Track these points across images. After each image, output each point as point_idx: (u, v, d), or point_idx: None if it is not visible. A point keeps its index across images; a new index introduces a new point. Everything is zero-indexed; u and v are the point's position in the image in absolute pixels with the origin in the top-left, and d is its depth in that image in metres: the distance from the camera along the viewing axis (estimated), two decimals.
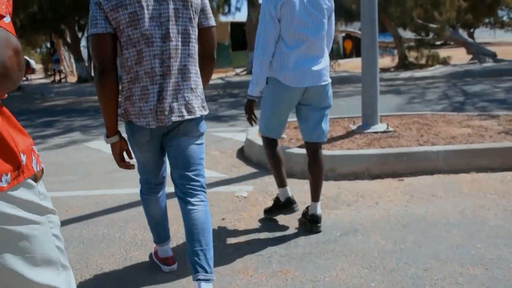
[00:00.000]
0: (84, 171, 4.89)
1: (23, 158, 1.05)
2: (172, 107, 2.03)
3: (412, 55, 17.10)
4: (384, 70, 17.96)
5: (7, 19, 0.95)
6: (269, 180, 4.07)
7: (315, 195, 3.03)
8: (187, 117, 2.07)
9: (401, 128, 5.19)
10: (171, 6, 1.98)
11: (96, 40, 1.95)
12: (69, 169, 4.99)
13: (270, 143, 3.08)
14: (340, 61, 21.39)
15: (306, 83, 2.78)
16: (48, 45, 22.82)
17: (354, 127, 5.23)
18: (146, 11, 1.94)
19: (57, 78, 21.99)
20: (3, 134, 1.01)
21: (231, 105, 10.06)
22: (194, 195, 2.16)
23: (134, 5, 1.93)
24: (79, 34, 20.85)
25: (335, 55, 21.78)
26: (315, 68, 2.79)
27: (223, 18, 20.34)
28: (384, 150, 4.20)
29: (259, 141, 4.72)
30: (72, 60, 22.89)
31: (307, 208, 3.13)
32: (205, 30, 2.16)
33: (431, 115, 6.07)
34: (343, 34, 29.41)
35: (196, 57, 2.14)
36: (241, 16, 20.91)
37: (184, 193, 2.17)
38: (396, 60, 17.75)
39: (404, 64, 16.83)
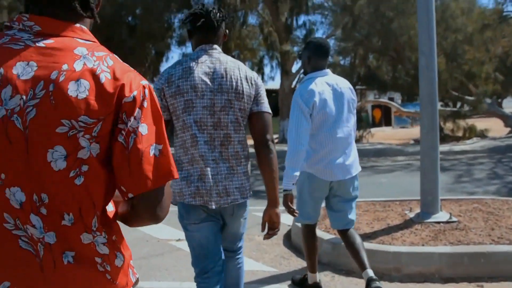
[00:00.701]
0: None
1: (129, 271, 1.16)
2: (228, 191, 2.11)
3: (447, 127, 16.69)
4: (418, 141, 17.58)
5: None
6: (326, 278, 3.61)
7: (362, 264, 2.95)
8: (240, 200, 2.15)
9: (465, 217, 4.70)
10: (225, 97, 2.09)
11: None
12: None
13: (309, 229, 3.18)
14: (372, 130, 21.04)
15: (338, 177, 2.93)
16: None
17: (412, 215, 4.77)
18: (200, 100, 2.06)
19: None
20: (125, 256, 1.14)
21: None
22: (235, 257, 2.38)
23: (191, 94, 2.06)
24: None
25: (365, 124, 21.55)
26: (346, 162, 2.93)
27: None
28: (456, 248, 3.71)
29: None
30: None
31: None
32: (254, 114, 2.18)
33: (492, 200, 5.56)
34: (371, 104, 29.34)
35: (245, 142, 2.22)
36: (271, 83, 21.20)
37: (227, 256, 2.32)
38: None
39: (439, 137, 16.41)
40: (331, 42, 18.53)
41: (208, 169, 2.07)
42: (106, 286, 1.07)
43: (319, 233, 4.33)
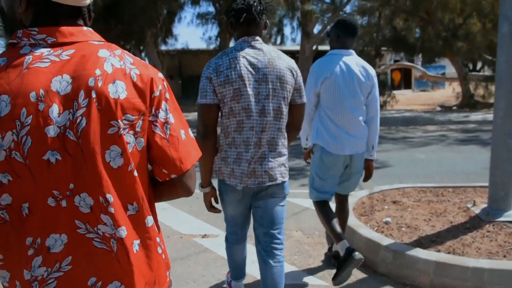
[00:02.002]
0: None
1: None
2: (256, 173, 2.28)
3: (478, 93, 15.73)
4: (445, 107, 16.67)
5: None
6: None
7: (343, 234, 3.12)
8: (268, 183, 2.30)
9: None
10: (269, 86, 2.24)
11: (204, 109, 2.24)
12: None
13: (322, 206, 3.18)
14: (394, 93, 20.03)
15: (346, 151, 3.06)
16: None
17: (477, 211, 4.08)
18: (248, 89, 2.21)
19: None
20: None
21: (294, 154, 8.95)
22: (274, 255, 2.44)
23: (239, 83, 2.20)
24: None
25: (386, 87, 20.53)
26: (354, 137, 3.06)
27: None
28: None
29: (364, 229, 3.68)
30: None
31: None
32: (297, 106, 2.41)
33: None
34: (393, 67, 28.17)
35: (284, 130, 2.36)
36: (292, 45, 20.16)
37: (267, 251, 2.44)
38: (453, 94, 16.41)
39: (469, 103, 15.49)
40: (355, 2, 17.39)
41: (247, 153, 2.25)
42: (164, 266, 1.21)
43: (374, 235, 3.68)
